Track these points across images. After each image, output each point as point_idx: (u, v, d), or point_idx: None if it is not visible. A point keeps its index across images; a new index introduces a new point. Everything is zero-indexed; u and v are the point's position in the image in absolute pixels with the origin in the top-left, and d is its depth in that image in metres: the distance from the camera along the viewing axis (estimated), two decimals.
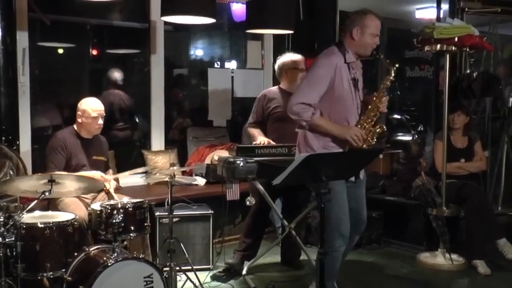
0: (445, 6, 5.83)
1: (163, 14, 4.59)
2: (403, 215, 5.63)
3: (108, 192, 4.19)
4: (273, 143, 4.53)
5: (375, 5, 4.03)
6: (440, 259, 5.01)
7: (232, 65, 6.94)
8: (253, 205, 4.54)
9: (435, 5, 5.90)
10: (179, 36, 6.79)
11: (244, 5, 5.44)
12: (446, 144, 5.05)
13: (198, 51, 7.32)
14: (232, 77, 6.39)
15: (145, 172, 4.87)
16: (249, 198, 4.43)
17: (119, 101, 6.06)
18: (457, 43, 4.83)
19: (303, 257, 4.81)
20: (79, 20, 5.75)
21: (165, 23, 5.50)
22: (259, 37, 6.45)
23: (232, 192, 4.37)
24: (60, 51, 6.16)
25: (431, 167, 5.32)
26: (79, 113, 4.33)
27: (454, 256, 4.98)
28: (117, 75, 6.09)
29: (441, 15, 5.78)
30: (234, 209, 5.07)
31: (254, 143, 4.56)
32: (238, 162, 4.20)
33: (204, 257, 4.79)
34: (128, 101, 6.13)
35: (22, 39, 4.78)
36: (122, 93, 6.08)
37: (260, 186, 4.31)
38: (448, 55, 4.99)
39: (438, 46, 4.90)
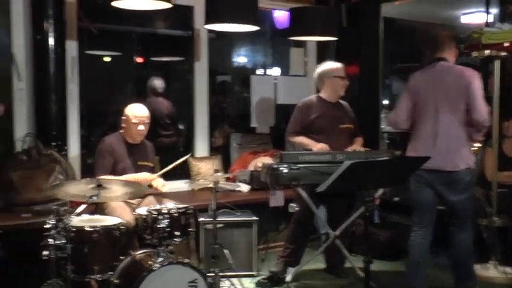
0: (494, 11, 5.71)
1: (206, 22, 4.64)
2: None
3: (158, 191, 4.24)
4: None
5: (418, 11, 4.00)
6: (492, 271, 4.84)
7: (275, 71, 6.95)
8: (296, 211, 4.52)
9: (483, 9, 5.79)
10: (222, 44, 6.85)
11: (287, 12, 5.45)
12: (497, 152, 4.93)
13: (241, 58, 7.37)
14: (275, 83, 6.40)
15: (190, 177, 4.89)
16: (292, 204, 4.42)
17: (163, 108, 6.15)
18: (507, 48, 4.72)
19: (347, 264, 4.77)
20: (125, 28, 5.87)
21: (209, 30, 5.55)
22: (302, 44, 6.45)
23: (276, 199, 4.37)
24: (107, 59, 6.31)
25: (479, 176, 5.19)
26: (124, 118, 4.42)
27: (507, 269, 4.83)
28: (158, 83, 6.17)
29: (490, 20, 5.67)
30: (278, 215, 5.07)
31: (315, 149, 4.51)
32: (282, 168, 4.20)
33: (247, 264, 4.80)
34: (171, 108, 6.21)
35: (71, 48, 4.91)
36: (165, 101, 6.17)
37: (304, 193, 4.30)
38: (497, 61, 4.87)
39: (486, 52, 4.79)
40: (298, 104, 4.82)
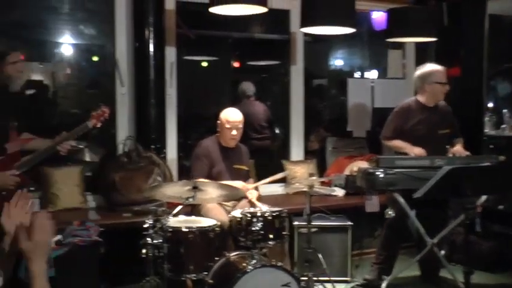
0: None
1: (303, 25, 4.62)
2: None
3: (251, 203, 4.27)
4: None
5: None
6: None
7: (372, 74, 6.82)
8: (390, 217, 4.40)
9: None
10: (319, 47, 6.81)
11: (385, 13, 5.32)
12: None
13: (337, 61, 7.30)
14: (372, 86, 6.27)
15: (285, 180, 4.89)
16: (388, 210, 4.30)
17: (258, 111, 6.20)
18: None
19: (443, 273, 4.58)
20: (222, 34, 5.98)
21: (305, 34, 5.54)
22: (400, 46, 6.29)
23: (372, 204, 4.29)
24: (204, 64, 6.46)
25: None
26: (218, 122, 4.49)
27: None
28: (248, 86, 6.22)
29: None
30: (374, 221, 4.96)
31: (412, 153, 4.39)
32: (378, 173, 4.11)
33: (341, 269, 4.73)
34: (266, 111, 6.25)
35: (170, 54, 5.07)
36: (260, 104, 6.22)
37: (400, 199, 4.17)
38: None
39: None
40: (395, 108, 4.69)
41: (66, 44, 5.41)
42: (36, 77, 5.69)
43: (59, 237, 3.73)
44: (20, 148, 3.48)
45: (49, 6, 5.08)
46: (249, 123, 5.57)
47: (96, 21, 5.28)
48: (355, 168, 4.81)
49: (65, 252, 3.61)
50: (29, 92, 5.41)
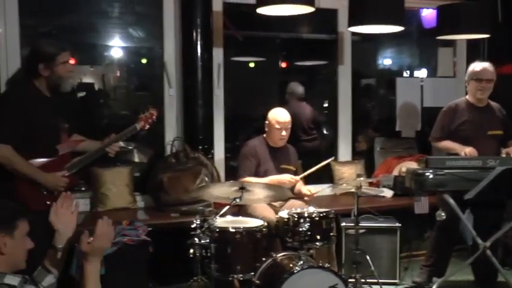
0: None
1: (350, 24, 4.58)
2: None
3: (300, 194, 4.26)
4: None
5: None
6: None
7: (421, 73, 6.69)
8: (442, 219, 4.30)
9: None
10: (367, 46, 6.72)
11: (435, 10, 5.21)
12: None
13: (386, 60, 7.19)
14: (422, 85, 6.16)
15: (332, 181, 4.86)
16: (439, 212, 4.21)
17: (306, 112, 6.17)
18: None
19: (500, 278, 4.44)
20: (269, 34, 5.98)
21: (353, 33, 5.48)
22: (451, 43, 6.15)
23: (421, 205, 4.20)
24: (251, 65, 6.47)
25: None
26: (267, 122, 4.49)
27: None
28: (298, 87, 6.20)
29: None
30: (423, 222, 4.87)
31: (463, 153, 4.29)
32: (427, 174, 4.03)
33: (390, 271, 4.66)
34: (313, 112, 6.22)
35: (217, 55, 5.09)
36: (307, 105, 6.18)
37: (451, 200, 4.08)
38: None
39: None
40: (443, 107, 4.59)
41: (116, 47, 5.51)
42: (87, 79, 5.82)
43: None
44: (71, 149, 3.55)
45: (99, 10, 5.19)
46: (297, 124, 5.55)
47: (145, 24, 5.36)
48: (404, 169, 4.73)
49: (114, 251, 3.67)
50: (80, 94, 5.54)
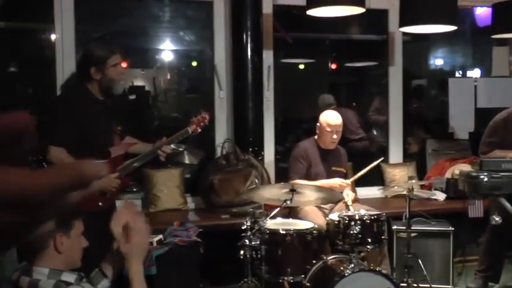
0: None
1: (402, 25, 4.51)
2: None
3: (346, 205, 4.23)
4: None
5: None
6: None
7: (475, 73, 6.54)
8: (498, 223, 4.18)
9: None
10: (418, 46, 6.62)
11: (489, 9, 5.08)
12: None
13: (437, 60, 7.07)
14: (475, 86, 6.01)
15: (383, 183, 4.80)
16: (494, 216, 4.10)
17: (347, 117, 6.11)
18: None
19: None
20: (319, 36, 5.96)
21: (404, 33, 5.40)
22: (506, 42, 5.98)
23: (475, 209, 4.09)
24: (301, 66, 6.46)
25: None
26: (318, 124, 4.47)
27: None
28: (329, 97, 6.11)
29: None
30: (477, 226, 4.74)
31: None
32: (482, 177, 3.92)
33: (443, 276, 4.56)
34: (355, 115, 6.15)
35: (267, 57, 5.11)
36: (347, 110, 6.12)
37: (506, 203, 3.96)
38: None
39: None
40: (490, 122, 4.46)
41: (167, 51, 5.61)
42: (138, 82, 5.94)
43: (160, 236, 3.86)
44: (123, 152, 3.62)
45: (151, 15, 5.28)
46: (347, 125, 5.50)
47: (196, 27, 5.43)
48: (457, 171, 4.62)
49: (165, 252, 3.73)
50: (131, 97, 5.65)
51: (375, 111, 6.22)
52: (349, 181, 4.35)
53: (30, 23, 5.32)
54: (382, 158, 4.97)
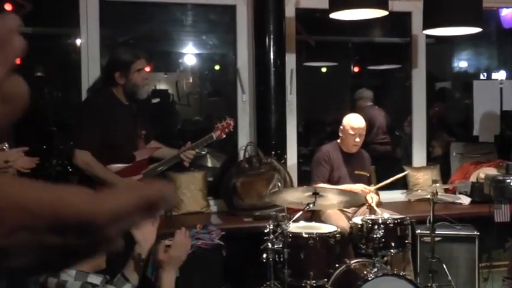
0: None
1: (425, 27, 4.48)
2: None
3: (370, 207, 4.21)
4: None
5: None
6: None
7: (500, 75, 6.46)
8: None
9: None
10: (441, 48, 6.57)
11: None
12: None
13: (462, 62, 7.00)
14: (501, 88, 5.93)
15: (407, 187, 4.77)
16: None
17: (379, 116, 6.08)
18: None
19: None
20: (342, 39, 5.94)
21: (427, 35, 5.36)
22: None
23: (501, 213, 4.05)
24: (324, 69, 6.45)
25: None
26: (341, 127, 4.46)
27: None
28: (368, 93, 6.11)
29: None
30: (504, 231, 4.68)
31: None
32: (508, 180, 3.88)
33: (468, 281, 4.49)
34: (386, 116, 6.12)
35: (290, 60, 5.10)
36: (380, 109, 6.09)
37: None
38: None
39: None
40: None
41: (190, 54, 5.64)
42: (161, 86, 5.99)
43: None
44: (147, 156, 3.65)
45: (174, 19, 5.32)
46: (370, 128, 5.48)
47: (218, 31, 5.46)
48: (482, 175, 4.58)
49: (188, 254, 3.74)
50: (154, 100, 5.70)
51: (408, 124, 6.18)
52: (372, 188, 4.32)
53: (56, 28, 5.41)
54: (408, 172, 4.94)
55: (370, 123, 5.80)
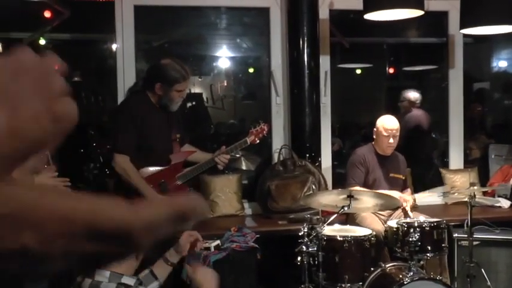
0: None
1: (463, 26, 4.41)
2: None
3: (404, 211, 4.15)
4: None
5: None
6: None
7: None
8: None
9: None
10: (480, 48, 6.45)
11: None
12: None
13: (501, 62, 6.85)
14: None
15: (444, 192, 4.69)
16: None
17: (417, 118, 6.00)
18: None
19: None
20: (376, 40, 5.89)
21: (465, 35, 5.27)
22: None
23: None
24: (358, 71, 6.40)
25: None
26: (375, 129, 4.42)
27: None
28: (415, 94, 6.03)
29: None
30: None
31: None
32: None
33: (508, 287, 4.40)
34: (426, 119, 6.03)
35: (324, 62, 5.08)
36: (419, 111, 6.01)
37: None
38: None
39: None
40: None
41: (224, 58, 5.67)
42: (196, 90, 6.03)
43: (217, 242, 3.89)
44: (182, 159, 3.68)
45: (208, 22, 5.36)
46: (408, 130, 5.42)
47: (252, 34, 5.47)
48: None
49: (223, 257, 3.76)
50: (189, 104, 5.74)
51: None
52: (409, 198, 4.22)
53: (92, 34, 5.51)
54: (447, 187, 4.85)
55: (409, 125, 5.73)
